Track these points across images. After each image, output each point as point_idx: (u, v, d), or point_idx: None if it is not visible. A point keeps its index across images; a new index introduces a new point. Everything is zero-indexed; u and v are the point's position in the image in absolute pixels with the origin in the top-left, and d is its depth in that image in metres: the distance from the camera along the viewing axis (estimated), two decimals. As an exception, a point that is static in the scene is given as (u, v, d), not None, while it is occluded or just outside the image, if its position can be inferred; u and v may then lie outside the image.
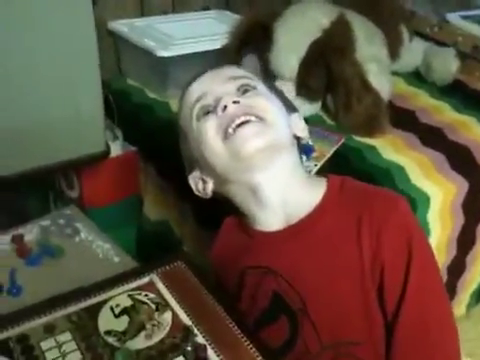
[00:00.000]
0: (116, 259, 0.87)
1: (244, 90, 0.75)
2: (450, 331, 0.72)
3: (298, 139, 0.81)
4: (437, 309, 0.72)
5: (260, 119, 0.72)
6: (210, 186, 0.78)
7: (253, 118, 0.72)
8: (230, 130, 0.71)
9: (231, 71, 0.79)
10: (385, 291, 0.70)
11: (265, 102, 0.75)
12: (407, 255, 0.69)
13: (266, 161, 0.72)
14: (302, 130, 0.81)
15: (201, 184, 0.80)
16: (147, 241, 1.37)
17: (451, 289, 1.30)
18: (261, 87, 0.78)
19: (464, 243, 1.23)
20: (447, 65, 1.51)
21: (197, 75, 0.80)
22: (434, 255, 0.76)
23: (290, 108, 0.82)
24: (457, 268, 1.27)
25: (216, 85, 0.75)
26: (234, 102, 0.72)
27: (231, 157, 0.72)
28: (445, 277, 1.26)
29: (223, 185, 0.77)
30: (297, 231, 0.74)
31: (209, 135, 0.72)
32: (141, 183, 1.34)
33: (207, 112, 0.74)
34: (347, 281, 0.71)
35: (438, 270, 0.76)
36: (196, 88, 0.77)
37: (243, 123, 0.71)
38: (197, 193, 0.81)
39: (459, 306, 1.37)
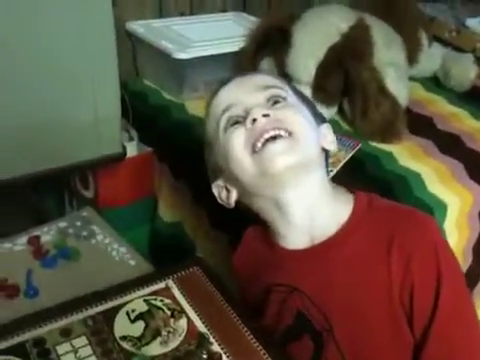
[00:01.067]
0: (132, 263, 0.87)
1: (274, 101, 0.73)
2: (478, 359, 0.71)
3: (326, 151, 0.79)
4: (466, 336, 0.70)
5: (289, 133, 0.70)
6: (234, 196, 0.76)
7: (282, 132, 0.70)
8: (259, 144, 0.69)
9: (261, 79, 0.76)
10: (413, 315, 0.68)
11: (295, 115, 0.73)
12: (437, 280, 0.67)
13: (295, 179, 0.70)
14: (331, 142, 0.78)
15: (225, 193, 0.78)
16: (161, 243, 1.38)
17: (466, 298, 1.29)
18: (291, 98, 0.75)
19: (480, 252, 1.22)
20: (465, 71, 1.49)
21: (224, 82, 0.77)
22: (464, 278, 0.74)
23: (319, 119, 0.80)
24: (473, 277, 1.26)
25: (245, 95, 0.73)
26: (264, 115, 0.70)
27: (259, 172, 0.70)
28: (460, 286, 1.25)
29: (248, 197, 0.75)
30: (324, 251, 0.73)
31: (237, 148, 0.71)
32: (156, 184, 1.35)
33: (235, 122, 0.72)
34: (374, 304, 0.69)
35: (468, 294, 0.74)
36: (224, 97, 0.75)
37: (272, 138, 0.69)
38: (220, 202, 0.79)
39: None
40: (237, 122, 0.72)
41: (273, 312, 0.76)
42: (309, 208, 0.73)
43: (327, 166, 0.80)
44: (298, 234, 0.74)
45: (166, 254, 1.32)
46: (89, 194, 1.29)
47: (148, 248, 1.38)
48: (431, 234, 0.71)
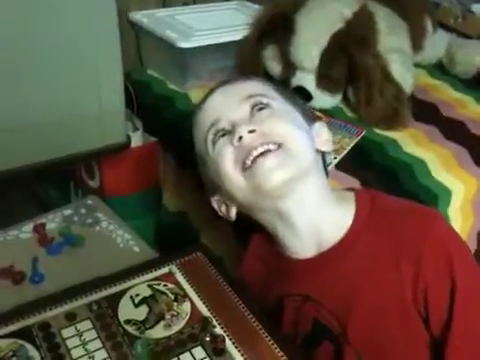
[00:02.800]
0: (136, 249, 0.88)
1: (259, 109, 0.71)
2: None
3: (322, 152, 0.77)
4: None
5: (279, 145, 0.68)
6: (233, 210, 0.75)
7: (271, 146, 0.68)
8: (248, 162, 0.67)
9: (243, 88, 0.74)
10: (430, 313, 0.67)
11: (282, 124, 0.70)
12: (450, 276, 0.66)
13: (291, 190, 0.68)
14: (325, 142, 0.75)
15: (224, 207, 0.76)
16: (166, 232, 1.38)
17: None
18: (276, 102, 0.73)
19: (486, 238, 1.22)
20: (471, 58, 1.48)
21: (208, 95, 0.75)
22: (477, 265, 0.72)
23: (311, 118, 0.77)
24: (478, 262, 1.26)
25: (229, 108, 0.71)
26: (250, 131, 0.68)
27: (252, 189, 0.68)
28: (465, 272, 1.25)
29: (248, 210, 0.74)
30: (332, 258, 0.71)
31: (227, 167, 0.69)
32: (160, 174, 1.35)
33: (222, 135, 0.71)
34: (387, 306, 0.68)
35: None
36: (208, 112, 0.73)
37: (262, 154, 0.67)
38: (221, 215, 0.77)
39: None
40: (224, 134, 0.70)
41: (289, 320, 0.76)
42: (312, 215, 0.71)
43: (325, 167, 0.78)
44: (304, 243, 0.72)
45: (171, 243, 1.33)
46: (94, 184, 1.30)
47: (153, 237, 1.38)
48: (438, 229, 0.69)
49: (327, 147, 0.76)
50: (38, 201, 1.43)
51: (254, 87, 0.74)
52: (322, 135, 0.75)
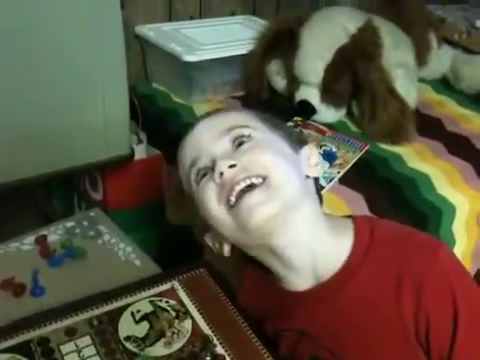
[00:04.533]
0: (138, 263, 0.87)
1: (239, 143, 0.68)
2: None
3: (315, 177, 0.73)
4: None
5: (263, 178, 0.65)
6: (227, 247, 0.72)
7: (254, 180, 0.64)
8: (232, 198, 0.64)
9: (222, 122, 0.71)
10: (432, 347, 0.64)
11: (265, 156, 0.66)
12: (452, 309, 0.63)
13: (280, 226, 0.65)
14: (314, 167, 0.72)
15: (218, 245, 0.73)
16: (169, 246, 1.38)
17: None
18: (258, 132, 0.69)
19: (491, 254, 1.21)
20: (476, 73, 1.48)
21: (188, 131, 0.73)
22: None
23: (298, 143, 0.73)
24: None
25: (208, 143, 0.68)
26: (231, 166, 0.65)
27: (239, 228, 0.65)
28: (470, 289, 1.24)
29: (241, 248, 0.71)
30: (329, 290, 0.68)
31: (212, 205, 0.66)
32: (164, 187, 1.35)
33: (204, 174, 0.68)
34: (389, 340, 0.66)
35: None
36: (189, 150, 0.71)
37: (246, 188, 0.64)
38: (216, 252, 0.75)
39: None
40: (206, 174, 0.67)
41: (286, 355, 0.73)
42: (306, 247, 0.68)
43: (318, 192, 0.74)
44: (300, 276, 0.69)
45: (174, 257, 1.32)
46: (98, 196, 1.30)
47: (156, 251, 1.38)
48: (442, 261, 0.65)
49: (316, 172, 0.72)
50: (42, 214, 1.43)
51: (234, 119, 0.71)
52: (311, 159, 0.72)
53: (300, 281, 0.70)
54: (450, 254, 0.68)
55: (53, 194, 1.52)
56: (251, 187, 0.64)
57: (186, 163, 0.71)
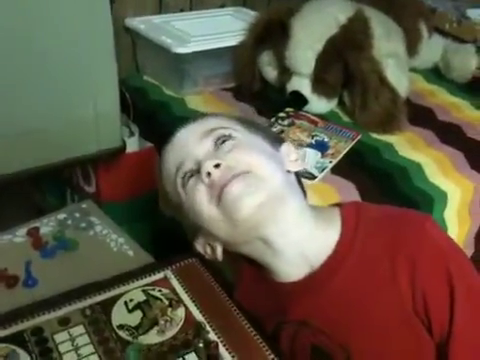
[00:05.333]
0: (130, 253, 0.87)
1: (222, 141, 0.69)
2: None
3: (297, 174, 0.75)
4: None
5: (247, 173, 0.66)
6: (219, 250, 0.73)
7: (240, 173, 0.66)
8: (220, 195, 0.65)
9: (203, 125, 0.72)
10: (431, 322, 0.65)
11: (247, 154, 0.68)
12: (448, 281, 0.64)
13: (267, 216, 0.66)
14: (294, 162, 0.74)
15: (209, 249, 0.74)
16: (163, 237, 1.38)
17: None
18: (238, 133, 0.71)
19: (482, 242, 1.22)
20: (466, 62, 1.49)
21: (171, 138, 0.74)
22: (473, 267, 0.70)
23: (277, 141, 0.75)
24: (476, 266, 1.25)
25: (191, 146, 0.70)
26: (216, 166, 0.66)
27: (229, 222, 0.66)
28: (463, 276, 1.25)
29: (233, 246, 0.72)
30: (323, 278, 0.69)
31: (203, 205, 0.67)
32: (157, 179, 1.35)
33: (190, 177, 0.69)
34: (390, 318, 0.67)
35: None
36: (172, 157, 0.72)
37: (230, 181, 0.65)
38: (207, 257, 0.76)
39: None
40: (192, 175, 0.69)
41: (286, 349, 0.73)
42: (296, 237, 0.69)
43: (302, 186, 0.76)
44: (293, 266, 0.70)
45: (168, 248, 1.33)
46: (91, 189, 1.30)
47: (150, 242, 1.38)
48: (431, 232, 0.67)
49: (297, 166, 0.74)
50: (35, 208, 1.43)
51: (214, 122, 0.73)
52: (290, 156, 0.74)
53: (293, 271, 0.70)
54: (436, 225, 0.70)
55: (47, 188, 1.52)
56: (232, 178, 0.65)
57: (171, 170, 0.72)
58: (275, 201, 0.66)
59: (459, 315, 0.64)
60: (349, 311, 0.68)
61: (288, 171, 0.72)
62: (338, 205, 0.74)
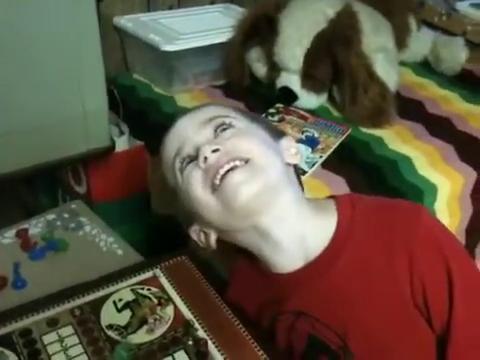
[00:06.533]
0: (120, 252, 0.87)
1: (222, 129, 0.70)
2: None
3: (295, 166, 0.75)
4: None
5: (246, 161, 0.66)
6: (213, 238, 0.73)
7: (238, 162, 0.66)
8: (216, 181, 0.66)
9: (204, 113, 0.73)
10: (431, 312, 0.65)
11: (246, 140, 0.68)
12: (444, 264, 0.65)
13: (264, 205, 0.66)
14: (294, 155, 0.74)
15: (203, 236, 0.74)
16: (156, 235, 1.38)
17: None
18: (239, 122, 0.72)
19: (473, 234, 1.22)
20: (456, 55, 1.49)
21: (171, 125, 0.75)
22: (469, 255, 0.71)
23: (277, 134, 0.76)
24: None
25: (191, 133, 0.70)
26: (214, 151, 0.66)
27: (225, 209, 0.66)
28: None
29: (227, 234, 0.72)
30: (319, 268, 0.69)
31: (197, 190, 0.67)
32: (148, 177, 1.35)
33: (189, 162, 0.69)
34: (388, 309, 0.67)
35: (478, 270, 0.70)
36: (172, 142, 0.73)
37: (229, 171, 0.65)
38: (201, 245, 0.75)
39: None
40: (191, 161, 0.69)
41: (283, 341, 0.73)
42: (293, 228, 0.69)
43: (299, 180, 0.77)
44: (290, 257, 0.70)
45: (162, 246, 1.33)
46: (82, 190, 1.30)
47: (144, 241, 1.38)
48: (424, 220, 0.67)
49: (296, 160, 0.74)
50: (25, 209, 1.43)
51: (215, 110, 0.74)
52: (290, 149, 0.74)
53: (289, 262, 0.71)
54: (430, 214, 0.70)
55: (38, 189, 1.51)
56: (234, 168, 0.66)
57: (170, 155, 0.72)
58: (272, 191, 0.67)
59: (458, 303, 0.64)
60: (346, 301, 0.69)
61: (287, 164, 0.72)
62: (333, 197, 0.75)
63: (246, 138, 0.69)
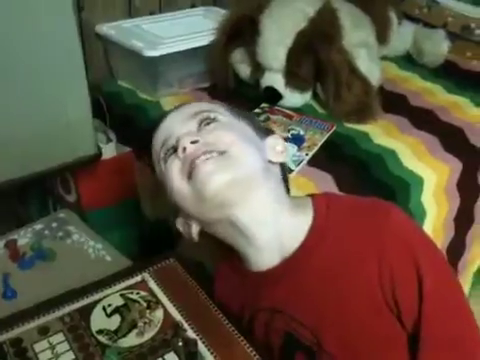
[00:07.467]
0: (108, 258, 0.88)
1: (206, 123, 0.71)
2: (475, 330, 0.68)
3: (282, 164, 0.76)
4: (457, 319, 0.67)
5: (222, 153, 0.68)
6: (194, 229, 0.74)
7: (214, 154, 0.67)
8: (191, 171, 0.67)
9: (191, 108, 0.75)
10: (401, 310, 0.65)
11: (226, 134, 0.70)
12: (414, 265, 0.65)
13: (235, 197, 0.67)
14: (279, 154, 0.74)
15: (186, 227, 0.75)
16: (148, 241, 1.38)
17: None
18: (224, 117, 0.73)
19: (462, 223, 1.23)
20: (438, 47, 1.50)
21: (161, 119, 0.76)
22: (443, 256, 0.72)
23: (264, 132, 0.77)
24: (456, 248, 1.27)
25: (177, 126, 0.72)
26: (192, 142, 0.68)
27: (197, 198, 0.67)
28: (445, 259, 1.26)
29: (207, 226, 0.73)
30: (294, 264, 0.70)
31: (175, 179, 0.69)
32: (137, 183, 1.35)
33: (172, 153, 0.70)
34: (359, 307, 0.67)
35: (451, 273, 0.71)
36: (160, 135, 0.74)
37: (203, 161, 0.67)
38: (187, 237, 0.76)
39: (462, 286, 1.36)
40: (174, 152, 0.70)
41: (261, 336, 0.74)
42: (269, 224, 0.70)
43: (286, 179, 0.77)
44: (265, 253, 0.71)
45: (155, 250, 1.33)
46: (72, 198, 1.30)
47: (137, 247, 1.38)
48: (393, 220, 0.68)
49: (281, 158, 0.75)
50: (17, 220, 1.43)
51: (202, 106, 0.75)
52: (276, 147, 0.75)
53: (266, 259, 0.71)
54: (400, 212, 0.70)
55: (29, 200, 1.51)
56: (208, 159, 0.67)
57: (157, 147, 0.74)
58: (245, 184, 0.67)
59: (428, 301, 0.64)
60: (319, 299, 0.69)
61: (270, 161, 0.73)
62: (311, 196, 0.75)
63: (226, 132, 0.70)
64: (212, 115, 0.72)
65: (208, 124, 0.71)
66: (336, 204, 0.72)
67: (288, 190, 0.77)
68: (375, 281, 0.65)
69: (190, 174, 0.67)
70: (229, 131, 0.71)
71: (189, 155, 0.68)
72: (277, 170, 0.75)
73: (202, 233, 0.75)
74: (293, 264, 0.70)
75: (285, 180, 0.77)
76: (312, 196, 0.75)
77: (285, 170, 0.78)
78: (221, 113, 0.73)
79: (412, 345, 0.67)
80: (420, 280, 0.65)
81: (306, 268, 0.70)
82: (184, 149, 0.68)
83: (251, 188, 0.68)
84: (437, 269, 0.67)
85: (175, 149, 0.70)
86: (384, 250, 0.65)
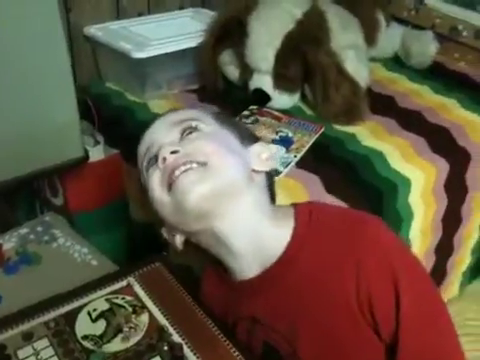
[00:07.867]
0: (94, 263, 0.87)
1: (188, 132, 0.71)
2: (456, 346, 0.67)
3: (268, 172, 0.74)
4: (437, 335, 0.66)
5: (202, 164, 0.67)
6: (178, 239, 0.73)
7: (194, 165, 0.67)
8: (171, 182, 0.67)
9: (175, 115, 0.74)
10: (378, 323, 0.65)
11: (206, 144, 0.69)
12: (394, 285, 0.64)
13: (216, 208, 0.67)
14: (264, 162, 0.73)
15: (171, 237, 0.75)
16: (136, 243, 1.38)
17: (441, 270, 1.31)
18: (206, 126, 0.72)
19: (450, 224, 1.24)
20: (425, 48, 1.51)
21: (148, 126, 0.76)
22: (425, 273, 0.71)
23: (249, 140, 0.75)
24: (445, 249, 1.28)
25: (159, 134, 0.72)
26: (172, 152, 0.67)
27: (177, 209, 0.67)
28: (433, 259, 1.26)
29: (189, 236, 0.72)
30: (273, 275, 0.69)
31: (155, 190, 0.68)
32: (126, 185, 1.34)
33: (154, 162, 0.70)
34: (336, 320, 0.66)
35: (432, 290, 0.70)
36: (143, 143, 0.74)
37: (184, 172, 0.66)
38: (172, 246, 0.76)
39: (451, 287, 1.37)
40: (155, 162, 0.69)
41: (243, 342, 0.74)
42: (250, 236, 0.69)
43: (271, 187, 0.76)
44: (246, 263, 0.70)
45: (143, 254, 1.33)
46: (59, 201, 1.29)
47: (125, 250, 1.38)
48: (371, 233, 0.67)
49: (266, 166, 0.73)
50: (4, 223, 1.42)
51: (186, 114, 0.75)
52: (262, 155, 0.73)
53: (247, 269, 0.71)
54: (382, 226, 0.69)
55: (16, 203, 1.50)
56: (188, 170, 0.66)
57: (141, 155, 0.73)
58: (226, 195, 0.67)
59: (405, 314, 0.63)
60: (297, 310, 0.69)
61: (254, 170, 0.72)
62: (294, 205, 0.74)
63: (207, 142, 0.70)
64: (194, 124, 0.71)
65: (190, 133, 0.71)
66: (319, 214, 0.71)
67: (273, 199, 0.76)
68: (352, 294, 0.64)
69: (170, 186, 0.67)
70: (210, 141, 0.70)
71: (169, 165, 0.67)
72: (261, 179, 0.73)
73: (188, 242, 0.74)
74: (272, 275, 0.69)
75: (271, 189, 0.75)
76: (295, 205, 0.73)
77: (271, 178, 0.77)
78: (204, 122, 0.73)
79: (390, 356, 0.66)
80: (398, 295, 0.64)
81: (284, 279, 0.69)
82: (164, 159, 0.67)
83: (232, 199, 0.67)
84: (417, 285, 0.66)
85: (157, 158, 0.69)
86: (360, 263, 0.64)
